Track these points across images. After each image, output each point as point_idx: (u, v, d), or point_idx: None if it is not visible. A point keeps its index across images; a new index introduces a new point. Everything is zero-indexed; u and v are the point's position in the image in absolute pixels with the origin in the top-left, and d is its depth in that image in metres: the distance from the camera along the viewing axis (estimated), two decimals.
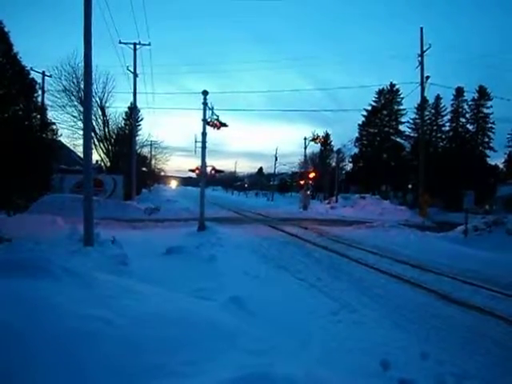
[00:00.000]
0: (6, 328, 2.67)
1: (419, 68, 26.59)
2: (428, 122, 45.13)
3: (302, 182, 37.47)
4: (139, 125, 41.19)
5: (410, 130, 48.81)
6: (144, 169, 48.70)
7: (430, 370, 4.10)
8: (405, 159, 46.55)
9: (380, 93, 49.69)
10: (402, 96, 47.91)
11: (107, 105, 31.51)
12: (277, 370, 2.96)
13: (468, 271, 9.23)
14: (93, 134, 25.63)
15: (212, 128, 15.82)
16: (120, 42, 27.48)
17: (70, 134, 30.41)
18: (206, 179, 17.16)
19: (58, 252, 8.30)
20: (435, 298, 7.02)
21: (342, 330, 5.26)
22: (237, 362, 3.14)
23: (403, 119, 49.40)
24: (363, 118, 50.36)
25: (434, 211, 29.71)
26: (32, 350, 2.56)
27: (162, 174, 73.54)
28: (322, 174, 50.78)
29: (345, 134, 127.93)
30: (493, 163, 45.91)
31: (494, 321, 5.83)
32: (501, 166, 48.44)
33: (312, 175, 36.66)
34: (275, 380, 2.69)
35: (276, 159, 60.84)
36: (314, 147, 54.89)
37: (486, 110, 45.80)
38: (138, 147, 35.65)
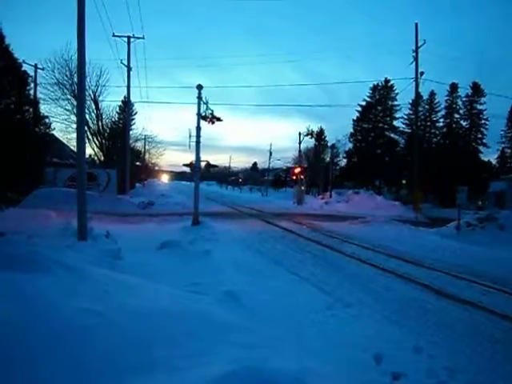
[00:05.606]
0: (2, 322, 2.66)
1: (414, 64, 26.68)
2: (422, 117, 45.29)
3: (294, 178, 37.54)
4: (133, 119, 40.97)
5: (404, 126, 49.09)
6: (138, 163, 48.49)
7: (422, 363, 4.15)
8: (399, 155, 46.73)
9: (374, 88, 49.77)
10: (396, 92, 48.13)
11: (101, 98, 31.35)
12: (271, 364, 2.97)
13: (461, 266, 9.31)
14: (86, 128, 25.45)
15: (206, 122, 15.75)
16: (114, 35, 27.22)
17: (63, 128, 30.32)
18: (200, 174, 17.11)
19: (51, 246, 8.23)
20: (428, 293, 7.07)
21: (335, 324, 5.30)
22: (231, 356, 3.15)
23: (397, 115, 49.66)
24: (358, 114, 50.50)
25: (428, 207, 29.93)
26: (29, 345, 2.56)
27: (156, 168, 73.36)
28: (316, 169, 50.84)
29: (339, 130, 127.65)
30: (486, 159, 46.43)
31: (486, 315, 5.89)
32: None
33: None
34: (270, 374, 2.71)
35: (270, 154, 61.03)
36: (309, 142, 54.87)
37: (479, 107, 46.14)
38: (131, 141, 35.46)
